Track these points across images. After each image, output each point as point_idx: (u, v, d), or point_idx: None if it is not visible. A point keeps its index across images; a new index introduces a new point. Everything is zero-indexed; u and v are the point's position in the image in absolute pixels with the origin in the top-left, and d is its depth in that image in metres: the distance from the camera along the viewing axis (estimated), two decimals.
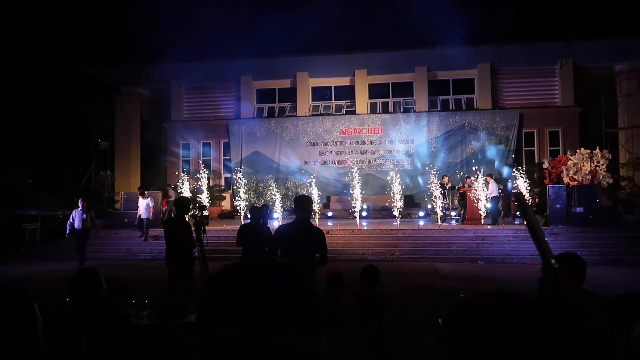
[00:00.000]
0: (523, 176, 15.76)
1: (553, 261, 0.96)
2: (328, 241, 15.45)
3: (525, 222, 1.04)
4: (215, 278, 0.93)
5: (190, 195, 17.36)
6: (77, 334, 2.57)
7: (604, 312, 2.13)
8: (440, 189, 16.00)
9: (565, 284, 0.93)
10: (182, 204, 6.69)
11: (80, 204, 12.13)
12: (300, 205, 4.65)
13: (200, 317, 0.91)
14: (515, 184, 16.52)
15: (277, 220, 16.08)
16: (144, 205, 14.73)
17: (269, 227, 7.08)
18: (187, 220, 6.76)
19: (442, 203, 15.86)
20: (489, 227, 14.65)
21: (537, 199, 17.08)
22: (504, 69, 21.44)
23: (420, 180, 20.10)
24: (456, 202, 16.79)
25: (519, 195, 1.12)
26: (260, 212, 7.09)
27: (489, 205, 15.07)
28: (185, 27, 23.93)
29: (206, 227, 6.97)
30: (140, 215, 14.82)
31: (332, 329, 3.60)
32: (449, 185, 16.90)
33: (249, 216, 7.19)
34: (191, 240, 6.51)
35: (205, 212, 7.51)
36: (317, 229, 4.70)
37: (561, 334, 0.82)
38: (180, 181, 17.94)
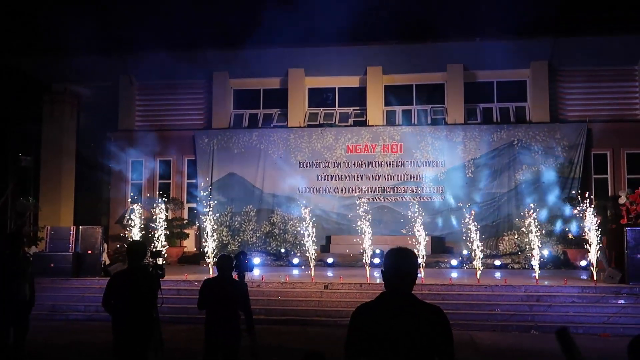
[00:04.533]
0: (592, 213, 15.72)
1: None
2: (328, 299, 15.16)
3: None
4: None
5: (141, 233, 17.32)
6: None
7: None
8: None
9: None
10: (137, 250, 6.67)
11: None
12: (400, 265, 3.33)
13: None
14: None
15: (258, 267, 16.00)
16: None
17: (246, 284, 7.05)
18: (148, 270, 6.77)
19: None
20: (546, 283, 14.62)
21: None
22: (567, 69, 21.70)
23: (453, 217, 20.10)
24: None
25: (563, 333, 1.13)
26: (232, 262, 7.06)
27: None
28: (139, 4, 24.18)
29: (161, 280, 6.95)
30: None
31: None
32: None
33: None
34: (154, 298, 6.51)
35: (160, 261, 7.49)
36: (436, 308, 3.27)
37: None
38: (127, 213, 17.94)
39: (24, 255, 8.35)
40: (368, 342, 3.11)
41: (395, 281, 3.27)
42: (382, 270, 3.35)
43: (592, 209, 15.56)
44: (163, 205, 18.55)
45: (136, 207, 17.80)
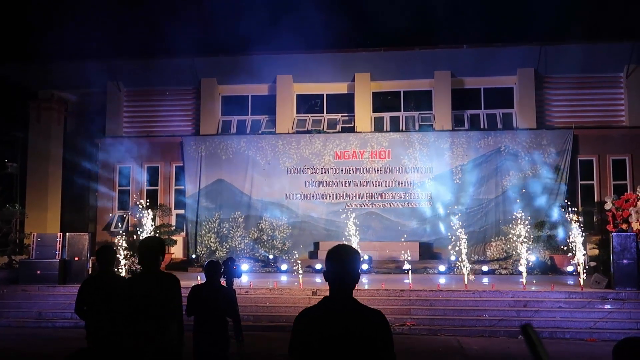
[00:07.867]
0: (578, 220, 15.88)
1: None
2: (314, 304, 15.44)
3: None
4: None
5: (123, 239, 17.24)
6: None
7: None
8: None
9: None
10: (106, 254, 6.59)
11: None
12: (339, 264, 3.28)
13: None
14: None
15: (246, 273, 15.96)
16: None
17: (234, 290, 7.05)
18: (117, 275, 6.72)
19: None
20: (533, 288, 14.70)
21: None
22: (553, 76, 21.89)
23: (440, 223, 20.18)
24: None
25: (526, 328, 1.15)
26: (220, 269, 7.05)
27: None
28: (127, 12, 24.16)
29: None
30: None
31: None
32: None
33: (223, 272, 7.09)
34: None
35: None
36: (377, 312, 3.27)
37: None
38: (114, 219, 17.86)
39: (165, 275, 5.79)
40: (310, 346, 3.10)
41: (335, 282, 3.22)
42: (324, 272, 3.29)
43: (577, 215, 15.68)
44: (151, 212, 18.47)
45: (123, 213, 17.72)
